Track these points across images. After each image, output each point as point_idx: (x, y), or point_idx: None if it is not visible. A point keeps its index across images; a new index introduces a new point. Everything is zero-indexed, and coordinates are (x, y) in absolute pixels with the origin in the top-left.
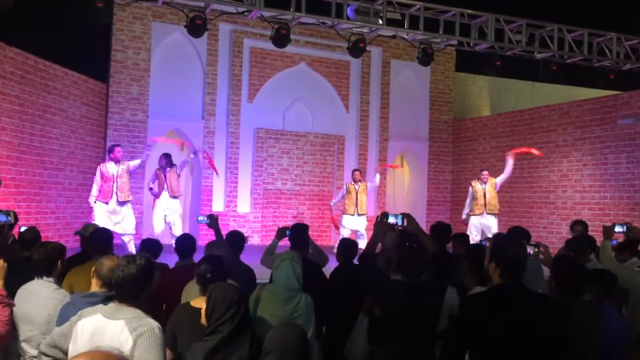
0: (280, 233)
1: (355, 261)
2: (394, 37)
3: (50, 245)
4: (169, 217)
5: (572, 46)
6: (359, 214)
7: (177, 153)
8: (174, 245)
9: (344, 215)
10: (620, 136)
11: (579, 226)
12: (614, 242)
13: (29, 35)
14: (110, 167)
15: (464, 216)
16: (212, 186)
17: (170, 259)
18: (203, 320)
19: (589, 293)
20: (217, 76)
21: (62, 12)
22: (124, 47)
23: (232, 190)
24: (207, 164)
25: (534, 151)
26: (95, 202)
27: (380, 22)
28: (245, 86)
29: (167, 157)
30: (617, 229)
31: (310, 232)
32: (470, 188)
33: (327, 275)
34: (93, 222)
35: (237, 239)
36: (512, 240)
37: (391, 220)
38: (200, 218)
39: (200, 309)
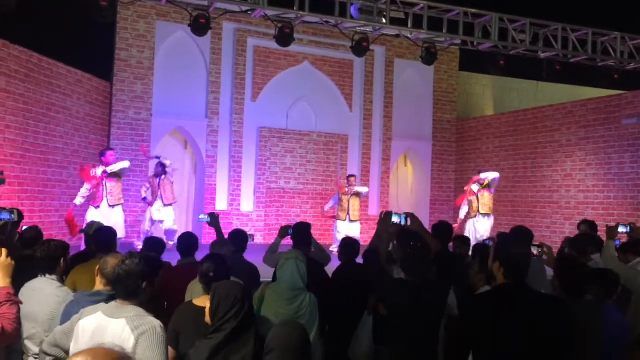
0: (283, 232)
1: (359, 258)
2: (397, 36)
3: (53, 243)
4: (164, 224)
5: (576, 45)
6: (351, 220)
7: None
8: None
9: (337, 222)
10: (625, 136)
11: (583, 225)
12: (617, 243)
13: (33, 33)
14: (100, 171)
15: (461, 217)
16: (215, 185)
17: (170, 258)
18: (207, 319)
19: (591, 293)
20: (220, 75)
21: (67, 11)
22: (128, 46)
23: (235, 189)
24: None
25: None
26: (80, 202)
27: (384, 21)
28: (249, 85)
29: (162, 165)
30: (621, 229)
31: (312, 231)
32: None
33: (329, 274)
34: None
35: (240, 238)
36: (516, 240)
37: (395, 219)
38: (201, 217)
39: (203, 308)
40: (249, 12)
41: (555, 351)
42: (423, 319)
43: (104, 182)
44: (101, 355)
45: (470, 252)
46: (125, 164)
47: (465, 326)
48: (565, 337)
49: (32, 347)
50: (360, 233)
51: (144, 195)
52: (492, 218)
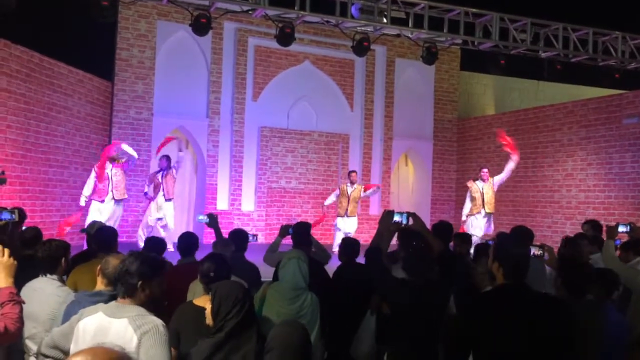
0: (283, 231)
1: (360, 258)
2: (398, 35)
3: (54, 243)
4: (162, 221)
5: (577, 45)
6: (348, 216)
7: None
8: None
9: (338, 218)
10: (625, 135)
11: (586, 225)
12: (618, 242)
13: (34, 33)
14: (106, 167)
15: (464, 217)
16: (216, 184)
17: (170, 258)
18: (209, 320)
19: (592, 293)
20: (221, 74)
21: (68, 11)
22: (129, 46)
23: (236, 189)
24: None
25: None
26: (85, 202)
27: (385, 20)
28: (250, 85)
29: (168, 159)
30: (621, 228)
31: (313, 231)
32: (469, 190)
33: (330, 274)
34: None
35: (240, 237)
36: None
37: (396, 218)
38: (200, 217)
39: (203, 308)
40: (250, 12)
41: (555, 351)
42: (424, 319)
43: (110, 176)
44: (101, 354)
45: (471, 250)
46: (135, 153)
47: (466, 326)
48: (565, 337)
49: (33, 347)
50: (361, 232)
51: (145, 190)
52: (492, 218)
